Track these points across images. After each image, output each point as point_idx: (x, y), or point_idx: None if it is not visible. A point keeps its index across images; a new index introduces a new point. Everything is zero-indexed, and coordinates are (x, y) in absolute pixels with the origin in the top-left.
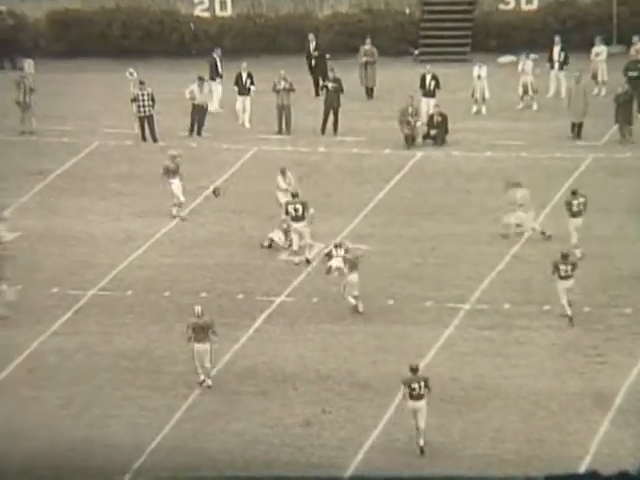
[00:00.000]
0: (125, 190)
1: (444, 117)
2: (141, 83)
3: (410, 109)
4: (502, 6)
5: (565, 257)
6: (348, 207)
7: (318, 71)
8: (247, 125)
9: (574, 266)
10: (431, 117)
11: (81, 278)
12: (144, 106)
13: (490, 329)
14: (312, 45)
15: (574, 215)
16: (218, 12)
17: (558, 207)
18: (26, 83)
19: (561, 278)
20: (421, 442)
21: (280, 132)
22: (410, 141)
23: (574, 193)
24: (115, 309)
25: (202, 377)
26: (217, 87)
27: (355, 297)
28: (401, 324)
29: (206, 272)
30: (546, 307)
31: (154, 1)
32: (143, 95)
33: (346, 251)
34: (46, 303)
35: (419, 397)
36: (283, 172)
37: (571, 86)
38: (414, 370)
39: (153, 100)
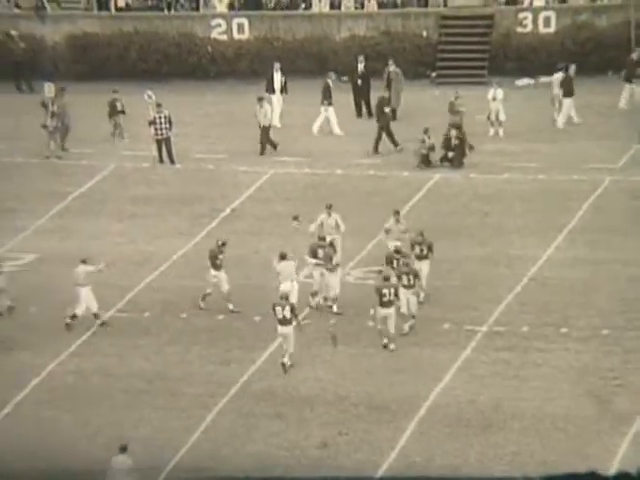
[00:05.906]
0: (142, 212)
1: (462, 140)
2: (158, 105)
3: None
4: (520, 29)
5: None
6: (365, 229)
7: (362, 91)
8: (278, 124)
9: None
10: (449, 139)
11: (98, 300)
12: (161, 128)
13: (508, 351)
14: (361, 66)
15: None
16: (235, 35)
17: (575, 230)
18: (50, 107)
19: (382, 305)
20: (392, 346)
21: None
22: (426, 162)
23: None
24: (132, 331)
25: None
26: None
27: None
28: (418, 346)
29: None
30: (564, 330)
31: (171, 24)
32: (160, 117)
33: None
34: (63, 324)
35: (389, 304)
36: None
37: None
38: (386, 278)
39: (170, 122)
